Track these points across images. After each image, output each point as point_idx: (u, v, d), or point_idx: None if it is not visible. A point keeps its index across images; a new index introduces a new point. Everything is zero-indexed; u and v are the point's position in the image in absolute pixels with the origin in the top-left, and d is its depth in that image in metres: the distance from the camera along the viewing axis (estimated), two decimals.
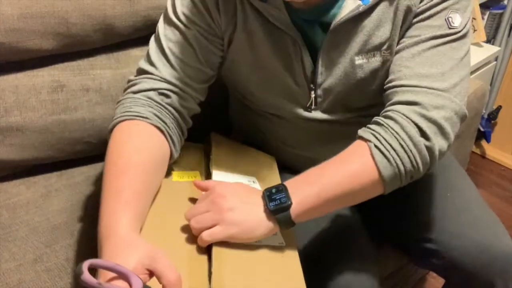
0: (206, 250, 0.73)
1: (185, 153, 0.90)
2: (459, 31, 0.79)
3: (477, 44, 1.81)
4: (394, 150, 0.73)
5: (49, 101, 0.99)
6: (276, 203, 0.73)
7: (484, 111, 1.97)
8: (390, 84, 0.80)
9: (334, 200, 0.74)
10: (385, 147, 0.73)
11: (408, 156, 0.74)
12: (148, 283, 0.61)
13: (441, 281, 1.50)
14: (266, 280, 0.70)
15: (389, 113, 0.76)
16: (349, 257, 0.88)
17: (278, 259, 0.75)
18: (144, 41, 1.09)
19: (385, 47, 0.82)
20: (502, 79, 1.97)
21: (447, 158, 1.07)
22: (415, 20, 0.80)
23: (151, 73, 0.84)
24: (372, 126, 0.77)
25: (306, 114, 0.91)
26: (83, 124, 1.03)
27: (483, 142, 2.08)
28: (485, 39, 1.80)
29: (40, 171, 1.06)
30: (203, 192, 0.79)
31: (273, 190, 0.74)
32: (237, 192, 0.75)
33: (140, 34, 1.08)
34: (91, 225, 0.80)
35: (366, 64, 0.83)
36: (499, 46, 1.90)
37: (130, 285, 0.57)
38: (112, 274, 0.59)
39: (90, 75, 1.03)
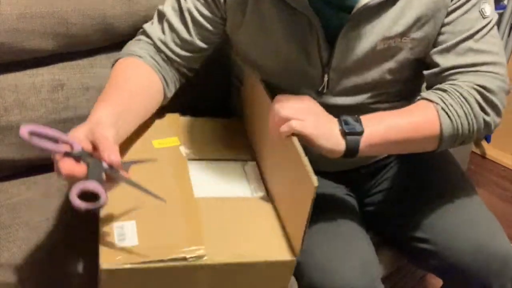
0: (193, 206, 0.81)
1: (162, 123, 0.97)
2: (492, 19, 0.88)
3: None
4: (458, 115, 0.83)
5: (49, 100, 1.00)
6: (350, 127, 0.81)
7: None
8: (447, 72, 0.87)
9: (395, 143, 0.83)
10: (450, 111, 0.83)
11: (468, 123, 0.84)
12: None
13: (441, 281, 1.51)
14: None
15: (453, 85, 0.85)
16: (351, 256, 0.88)
17: None
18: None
19: (407, 34, 0.85)
20: None
21: (446, 157, 1.07)
22: (452, 16, 0.86)
23: (148, 32, 0.94)
24: (438, 92, 0.86)
25: (317, 98, 0.91)
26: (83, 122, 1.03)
27: (483, 142, 2.08)
28: None
29: (40, 170, 1.06)
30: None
31: (349, 118, 0.82)
32: (320, 111, 0.83)
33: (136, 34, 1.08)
34: (92, 224, 0.80)
35: (387, 50, 0.86)
36: None
37: (72, 148, 0.68)
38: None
39: (90, 74, 1.03)
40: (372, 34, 0.84)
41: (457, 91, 0.84)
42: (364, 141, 0.81)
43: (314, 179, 0.72)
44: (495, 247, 0.90)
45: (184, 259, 0.72)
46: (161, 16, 0.93)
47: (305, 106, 0.81)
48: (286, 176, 0.86)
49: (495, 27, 0.90)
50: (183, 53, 0.92)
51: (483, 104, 0.84)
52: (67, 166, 0.67)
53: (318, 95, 0.91)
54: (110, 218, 0.76)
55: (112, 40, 1.04)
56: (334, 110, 0.91)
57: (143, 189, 0.73)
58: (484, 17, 0.87)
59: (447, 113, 0.83)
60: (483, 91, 0.84)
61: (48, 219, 0.96)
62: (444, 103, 0.83)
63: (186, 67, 0.96)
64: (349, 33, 0.84)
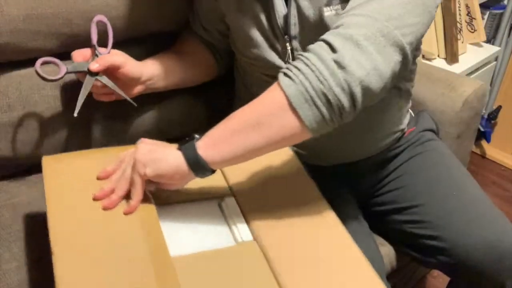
0: (170, 271, 0.67)
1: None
2: None
3: (477, 44, 1.81)
4: (298, 69, 0.68)
5: (52, 97, 1.00)
6: (185, 140, 0.72)
7: (484, 111, 1.97)
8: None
9: (242, 131, 0.69)
10: (290, 70, 0.69)
11: (313, 71, 0.67)
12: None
13: (441, 280, 1.51)
14: None
15: (309, 46, 0.71)
16: None
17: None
18: (145, 42, 1.10)
19: None
20: (502, 79, 1.97)
21: (450, 155, 1.07)
22: None
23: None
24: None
25: None
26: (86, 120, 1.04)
27: (483, 142, 2.08)
28: (485, 39, 1.80)
29: (40, 170, 1.06)
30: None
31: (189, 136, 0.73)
32: (152, 140, 0.77)
33: (141, 35, 1.08)
34: None
35: (335, 17, 0.81)
36: (499, 46, 1.90)
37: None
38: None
39: None
40: (319, 0, 0.81)
41: (307, 50, 0.70)
42: (204, 144, 0.70)
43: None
44: (507, 242, 0.89)
45: None
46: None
47: (127, 164, 0.75)
48: (278, 215, 0.77)
49: None
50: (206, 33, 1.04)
51: (333, 41, 0.67)
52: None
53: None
54: None
55: (113, 40, 1.04)
56: None
57: (117, 90, 0.90)
58: None
59: (285, 73, 0.69)
60: (340, 30, 0.69)
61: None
62: (287, 67, 0.69)
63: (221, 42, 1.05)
64: (299, 1, 0.83)
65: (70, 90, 1.01)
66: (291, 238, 0.74)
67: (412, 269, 1.35)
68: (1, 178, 1.02)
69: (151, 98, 1.11)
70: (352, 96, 0.67)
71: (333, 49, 0.67)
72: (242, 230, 0.75)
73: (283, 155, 0.89)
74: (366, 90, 0.68)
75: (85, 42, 1.00)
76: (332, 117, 0.68)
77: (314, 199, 0.81)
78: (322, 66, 0.67)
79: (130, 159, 0.74)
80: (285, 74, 0.69)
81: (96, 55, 0.91)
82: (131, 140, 1.12)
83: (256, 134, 0.69)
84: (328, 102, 0.67)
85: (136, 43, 1.09)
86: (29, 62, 0.98)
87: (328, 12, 0.81)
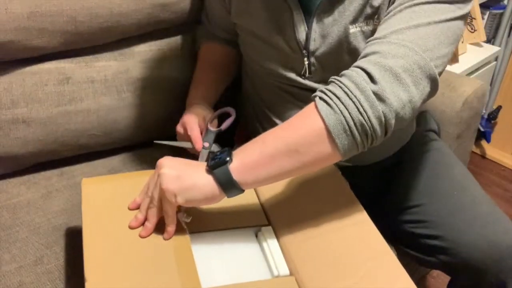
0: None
1: None
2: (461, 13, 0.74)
3: (477, 44, 1.81)
4: (338, 97, 0.68)
5: (55, 92, 1.00)
6: (215, 160, 0.70)
7: (484, 111, 1.97)
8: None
9: (279, 157, 0.69)
10: (328, 96, 0.68)
11: (353, 102, 0.67)
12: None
13: (441, 281, 1.51)
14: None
15: (344, 71, 0.71)
16: None
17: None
18: (148, 38, 1.10)
19: (377, 16, 0.82)
20: (502, 79, 1.97)
21: (452, 156, 1.07)
22: None
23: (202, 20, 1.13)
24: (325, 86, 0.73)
25: (301, 80, 0.91)
26: (87, 115, 1.04)
27: (483, 142, 2.08)
28: (485, 39, 1.80)
29: (40, 169, 1.06)
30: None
31: (217, 151, 0.72)
32: (175, 161, 0.73)
33: (144, 31, 1.08)
34: None
35: (360, 33, 0.83)
36: (499, 46, 1.90)
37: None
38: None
39: (95, 67, 1.04)
40: (344, 17, 0.82)
41: (343, 75, 0.70)
42: (237, 168, 0.69)
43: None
44: (509, 242, 0.89)
45: None
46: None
47: (155, 191, 0.72)
48: (318, 247, 0.72)
49: (449, 8, 0.73)
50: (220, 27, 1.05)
51: (374, 72, 0.68)
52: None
53: (302, 78, 0.91)
54: None
55: (117, 37, 1.05)
56: None
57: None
58: None
59: (323, 99, 0.69)
60: (379, 59, 0.69)
61: (48, 220, 0.95)
62: (323, 91, 0.70)
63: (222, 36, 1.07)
64: (322, 17, 0.83)
65: (72, 85, 1.02)
66: (331, 275, 0.69)
67: (411, 269, 1.35)
68: (0, 178, 1.02)
69: (152, 95, 1.11)
70: (386, 127, 0.70)
71: (372, 79, 0.68)
72: (279, 263, 0.71)
73: (326, 176, 0.86)
74: (399, 120, 0.70)
75: (88, 40, 1.01)
76: (364, 144, 0.70)
77: (361, 225, 0.77)
78: (362, 97, 0.67)
79: (156, 186, 0.72)
80: (322, 99, 0.69)
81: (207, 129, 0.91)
82: (130, 139, 1.12)
83: (292, 160, 0.69)
84: (364, 132, 0.68)
85: (140, 39, 1.09)
86: (33, 59, 0.98)
87: (353, 29, 0.83)
